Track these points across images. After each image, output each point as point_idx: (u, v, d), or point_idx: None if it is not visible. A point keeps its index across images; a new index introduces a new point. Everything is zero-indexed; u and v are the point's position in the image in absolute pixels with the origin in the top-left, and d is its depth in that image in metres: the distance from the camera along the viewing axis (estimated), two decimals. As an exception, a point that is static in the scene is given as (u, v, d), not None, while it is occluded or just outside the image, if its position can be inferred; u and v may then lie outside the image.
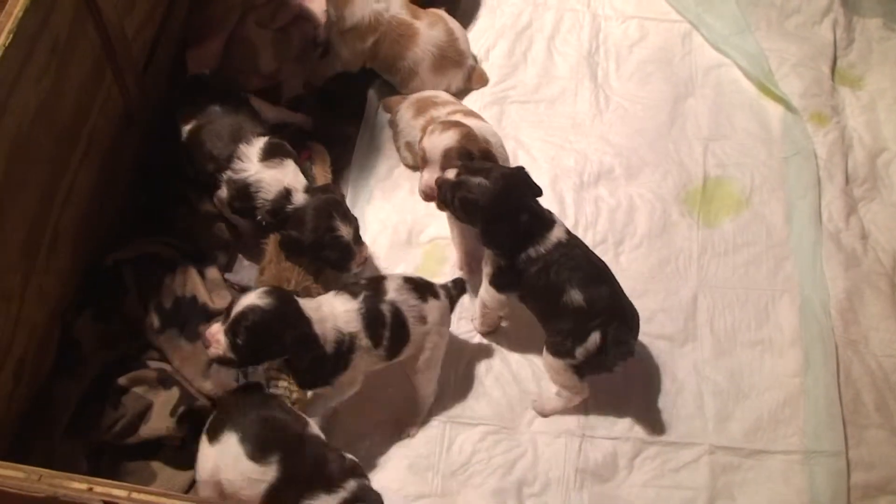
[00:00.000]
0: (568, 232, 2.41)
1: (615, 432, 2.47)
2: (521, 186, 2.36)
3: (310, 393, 2.38)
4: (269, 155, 2.62)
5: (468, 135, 2.51)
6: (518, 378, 2.56)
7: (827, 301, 2.69)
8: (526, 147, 3.00)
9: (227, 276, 2.69)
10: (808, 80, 3.19)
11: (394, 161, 2.98)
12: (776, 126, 3.11)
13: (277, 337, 2.11)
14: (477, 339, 2.62)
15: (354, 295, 2.27)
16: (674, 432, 2.48)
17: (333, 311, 2.22)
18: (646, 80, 3.22)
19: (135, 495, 1.62)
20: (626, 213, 2.88)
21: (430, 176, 2.49)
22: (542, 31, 3.31)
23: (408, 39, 3.04)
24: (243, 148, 2.62)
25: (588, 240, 2.75)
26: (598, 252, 2.57)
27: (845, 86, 3.26)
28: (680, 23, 3.37)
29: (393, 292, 2.29)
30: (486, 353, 2.60)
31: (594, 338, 2.32)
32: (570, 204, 2.87)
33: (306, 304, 2.19)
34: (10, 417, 2.25)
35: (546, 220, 2.38)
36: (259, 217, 2.62)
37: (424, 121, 2.80)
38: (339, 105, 3.06)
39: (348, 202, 2.76)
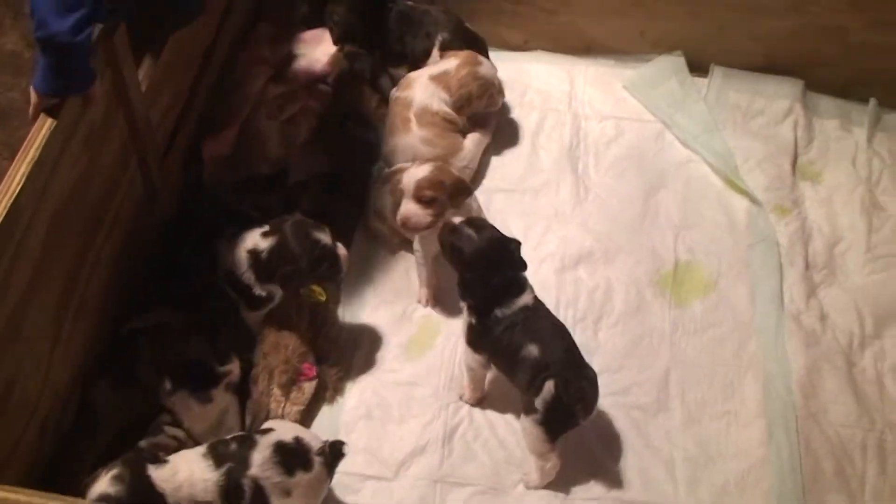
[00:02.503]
0: (536, 299, 2.57)
1: (594, 493, 2.59)
2: (503, 253, 2.55)
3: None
4: (229, 240, 2.77)
5: (440, 168, 2.81)
6: (504, 444, 2.68)
7: (789, 376, 2.82)
8: (512, 232, 3.06)
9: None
10: (772, 175, 3.33)
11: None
12: (741, 217, 3.24)
13: None
14: (466, 407, 2.75)
15: (219, 463, 2.28)
16: (648, 494, 2.60)
17: (191, 479, 2.23)
18: (622, 173, 3.36)
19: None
20: (604, 293, 3.02)
21: (405, 207, 2.77)
22: (528, 129, 3.50)
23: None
24: (217, 244, 2.79)
25: (569, 317, 2.92)
26: (577, 329, 2.76)
27: (805, 180, 3.38)
28: (653, 122, 3.52)
29: (257, 467, 2.28)
30: (475, 420, 2.73)
31: (548, 386, 2.42)
32: (553, 285, 3.01)
33: (161, 475, 2.20)
34: (36, 470, 2.37)
35: (518, 288, 2.54)
36: (256, 292, 2.72)
37: (391, 184, 2.99)
38: (341, 189, 3.20)
39: (348, 277, 2.91)
